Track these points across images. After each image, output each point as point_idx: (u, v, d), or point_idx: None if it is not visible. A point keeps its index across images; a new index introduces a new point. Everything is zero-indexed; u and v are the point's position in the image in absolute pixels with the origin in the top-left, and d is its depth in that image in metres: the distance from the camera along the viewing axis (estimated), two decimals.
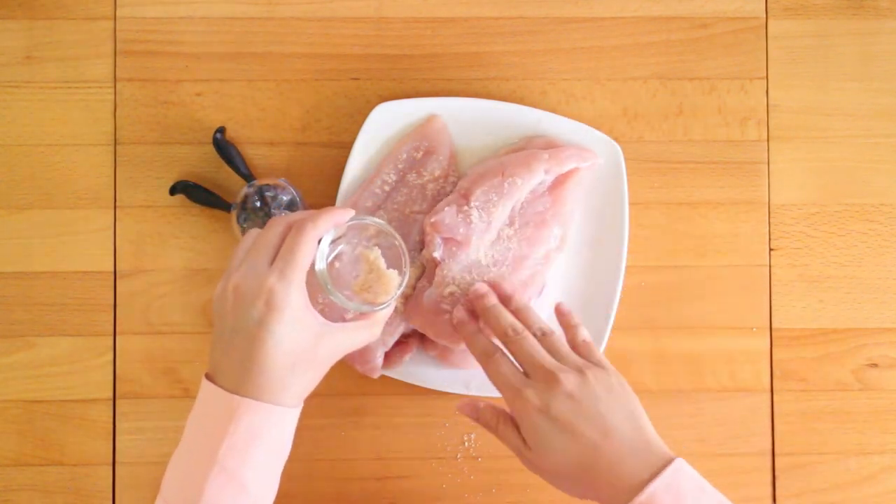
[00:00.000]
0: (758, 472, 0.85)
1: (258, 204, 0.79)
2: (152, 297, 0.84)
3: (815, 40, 0.86)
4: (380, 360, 0.78)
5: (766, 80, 0.86)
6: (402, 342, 0.80)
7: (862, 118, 0.86)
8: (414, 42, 0.85)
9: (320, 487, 0.84)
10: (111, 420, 0.83)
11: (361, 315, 0.67)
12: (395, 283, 0.68)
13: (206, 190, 0.82)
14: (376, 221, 0.69)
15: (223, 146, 0.82)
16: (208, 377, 0.62)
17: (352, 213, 0.67)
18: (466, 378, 0.81)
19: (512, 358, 0.70)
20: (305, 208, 0.82)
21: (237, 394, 0.60)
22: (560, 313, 0.74)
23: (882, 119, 0.86)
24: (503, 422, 0.69)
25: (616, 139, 0.83)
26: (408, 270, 0.69)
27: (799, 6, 0.86)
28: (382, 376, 0.80)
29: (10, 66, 0.84)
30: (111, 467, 0.83)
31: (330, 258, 0.67)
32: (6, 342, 0.83)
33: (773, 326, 0.85)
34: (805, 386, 0.85)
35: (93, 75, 0.84)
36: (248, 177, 0.82)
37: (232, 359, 0.61)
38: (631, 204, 0.84)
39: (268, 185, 0.80)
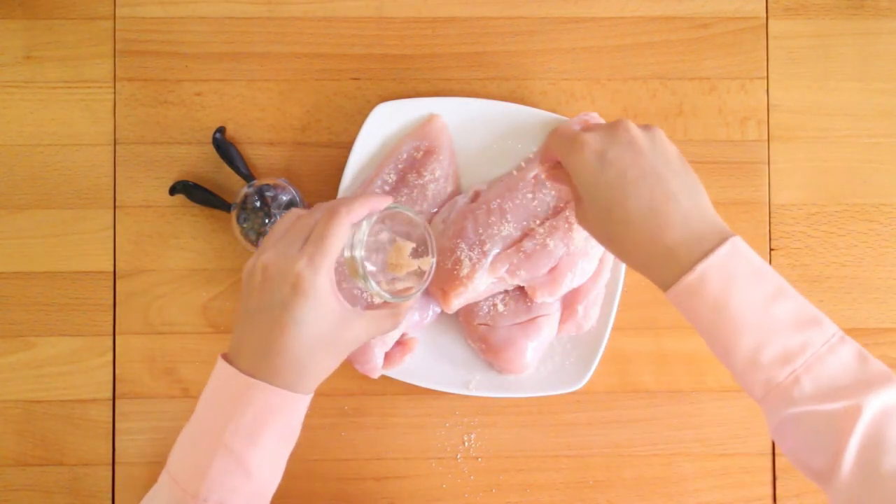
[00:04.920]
0: (758, 472, 0.85)
1: (258, 204, 0.79)
2: (152, 297, 0.84)
3: (815, 40, 0.86)
4: (380, 360, 0.79)
5: (766, 80, 0.86)
6: (402, 342, 0.80)
7: (862, 118, 0.86)
8: (414, 42, 0.85)
9: (320, 487, 0.84)
10: (111, 420, 0.83)
11: (386, 304, 0.66)
12: (423, 275, 0.68)
13: (206, 190, 0.82)
14: (411, 211, 0.67)
15: (223, 146, 0.82)
16: (224, 357, 0.61)
17: (389, 200, 0.65)
18: (466, 378, 0.81)
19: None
20: (305, 208, 0.82)
21: (252, 376, 0.59)
22: None
23: (882, 119, 0.86)
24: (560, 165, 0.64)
25: None
26: (434, 261, 0.68)
27: (799, 6, 0.86)
28: (382, 376, 0.80)
29: (10, 66, 0.84)
30: (111, 467, 0.83)
31: (362, 245, 0.65)
32: (6, 342, 0.83)
33: None
34: None
35: (93, 75, 0.84)
36: (248, 177, 0.82)
37: (252, 339, 0.60)
38: None
39: (268, 185, 0.80)
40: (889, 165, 0.86)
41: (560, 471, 0.85)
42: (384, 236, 0.69)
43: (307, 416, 0.83)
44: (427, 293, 0.80)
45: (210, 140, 0.83)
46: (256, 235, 0.79)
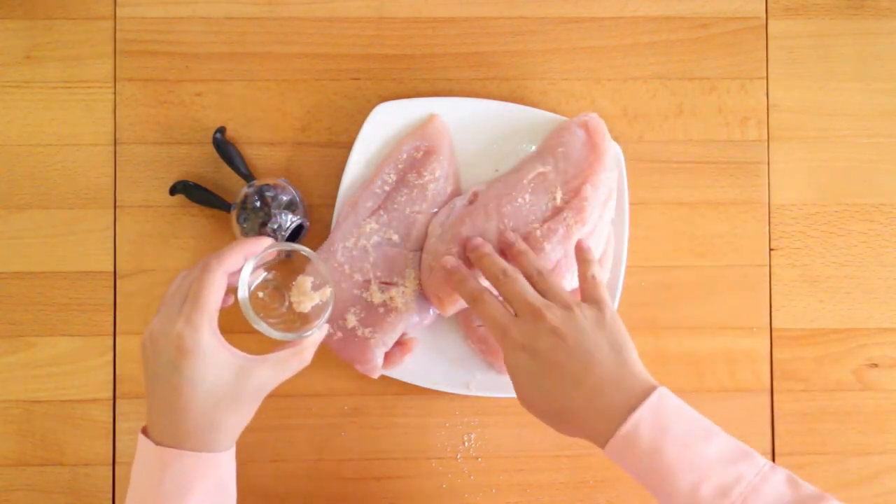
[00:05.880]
0: None
1: (258, 204, 0.79)
2: (152, 297, 0.84)
3: (815, 40, 0.86)
4: (380, 360, 0.78)
5: (766, 80, 0.86)
6: (402, 342, 0.80)
7: (862, 118, 0.86)
8: (414, 42, 0.85)
9: (320, 487, 0.84)
10: (111, 420, 0.83)
11: (290, 343, 0.67)
12: (324, 306, 0.69)
13: (206, 190, 0.82)
14: (299, 248, 0.68)
15: (223, 146, 0.82)
16: (144, 430, 0.63)
17: (267, 242, 0.66)
18: (466, 378, 0.81)
19: (502, 300, 0.70)
20: (305, 208, 0.82)
21: (164, 445, 0.61)
22: (578, 249, 0.73)
23: (882, 119, 0.86)
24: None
25: (616, 139, 0.83)
26: (332, 295, 0.69)
27: (799, 6, 0.86)
28: (382, 376, 0.80)
29: (10, 66, 0.84)
30: (111, 467, 0.83)
31: (253, 287, 0.66)
32: (6, 342, 0.83)
33: (773, 326, 0.85)
34: (805, 386, 0.85)
35: (93, 75, 0.84)
36: (248, 177, 0.82)
37: (157, 406, 0.62)
38: (631, 204, 0.84)
39: (268, 185, 0.80)
40: (889, 165, 0.86)
41: (560, 471, 0.85)
42: (271, 276, 0.70)
43: (307, 417, 0.84)
44: (424, 298, 0.80)
45: (210, 140, 0.84)
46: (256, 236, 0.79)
